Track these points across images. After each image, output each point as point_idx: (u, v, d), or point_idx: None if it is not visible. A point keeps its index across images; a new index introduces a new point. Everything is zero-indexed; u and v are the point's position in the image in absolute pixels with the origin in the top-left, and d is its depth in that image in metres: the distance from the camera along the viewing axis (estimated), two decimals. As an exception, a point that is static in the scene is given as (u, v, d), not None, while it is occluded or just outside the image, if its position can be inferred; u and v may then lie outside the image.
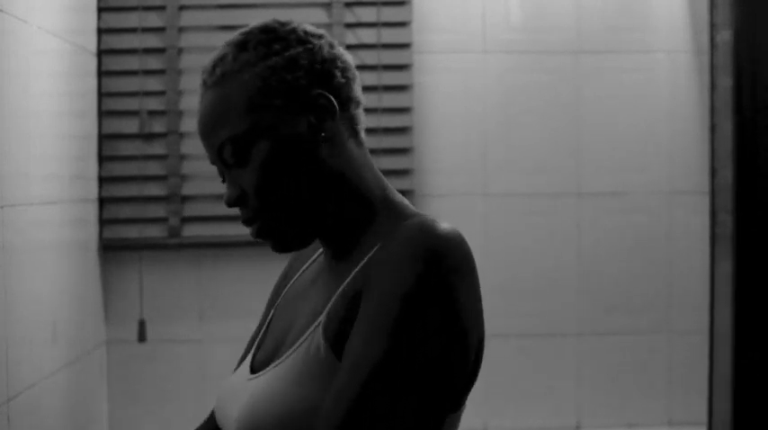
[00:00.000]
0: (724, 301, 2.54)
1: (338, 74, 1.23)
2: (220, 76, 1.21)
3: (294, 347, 1.17)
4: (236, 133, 1.19)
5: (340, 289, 1.17)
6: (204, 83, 1.23)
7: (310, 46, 1.22)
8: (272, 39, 1.22)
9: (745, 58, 2.47)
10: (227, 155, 1.21)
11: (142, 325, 3.31)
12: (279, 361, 1.18)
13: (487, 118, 3.40)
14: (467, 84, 3.40)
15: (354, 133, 1.25)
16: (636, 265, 3.43)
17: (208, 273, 3.33)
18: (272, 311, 1.37)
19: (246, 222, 1.23)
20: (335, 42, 1.26)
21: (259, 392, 1.18)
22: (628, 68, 3.42)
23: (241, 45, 1.23)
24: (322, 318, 1.16)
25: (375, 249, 1.16)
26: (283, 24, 1.24)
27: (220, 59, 1.23)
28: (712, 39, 2.60)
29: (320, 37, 1.24)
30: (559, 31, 3.41)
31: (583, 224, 3.43)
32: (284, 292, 1.37)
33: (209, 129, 1.21)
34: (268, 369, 1.20)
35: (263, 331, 1.35)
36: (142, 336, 3.31)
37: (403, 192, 3.25)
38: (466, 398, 1.19)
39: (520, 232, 3.41)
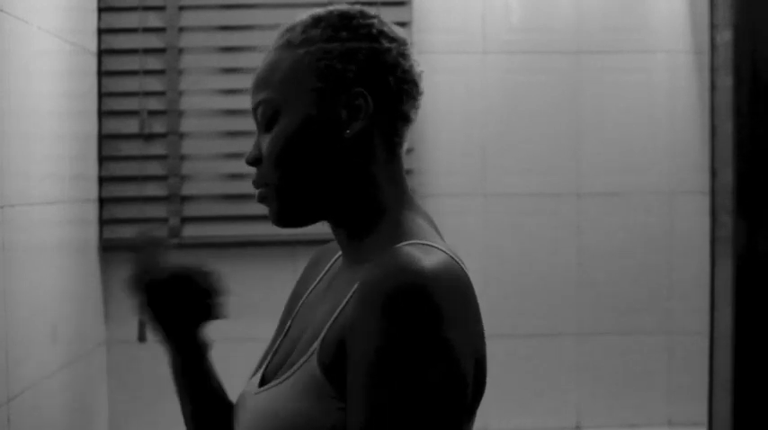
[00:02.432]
0: (724, 302, 2.53)
1: (392, 81, 1.21)
2: (284, 43, 1.23)
3: (295, 367, 1.17)
4: (271, 98, 1.21)
5: (332, 318, 1.17)
6: (273, 44, 1.26)
7: (377, 45, 1.21)
8: (344, 26, 1.21)
9: (745, 58, 2.47)
10: (260, 115, 1.23)
11: (142, 325, 3.30)
12: (282, 378, 1.18)
13: (487, 118, 3.40)
14: (467, 84, 3.39)
15: (390, 144, 1.23)
16: (636, 265, 3.43)
17: (208, 273, 3.33)
18: (290, 320, 1.36)
19: (254, 184, 1.25)
20: (412, 55, 1.23)
21: (262, 408, 1.18)
22: (628, 68, 3.42)
23: (315, 21, 1.23)
24: (317, 344, 1.16)
25: (365, 274, 1.13)
26: (365, 16, 1.23)
27: (292, 27, 1.24)
28: (712, 39, 2.60)
29: (394, 40, 1.22)
30: (559, 31, 3.41)
31: (583, 224, 3.43)
32: (303, 300, 1.37)
33: (254, 87, 1.25)
34: (272, 384, 1.20)
35: (280, 338, 1.35)
36: (142, 336, 3.30)
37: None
38: (473, 417, 1.18)
39: (520, 232, 3.41)
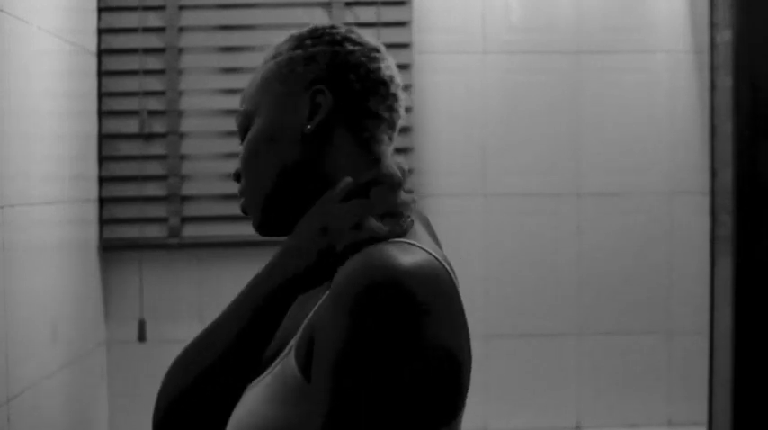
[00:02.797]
0: (724, 301, 2.54)
1: (354, 79, 1.22)
2: (262, 62, 1.28)
3: (273, 365, 1.16)
4: (244, 110, 1.26)
5: (309, 315, 1.16)
6: None
7: (339, 48, 1.23)
8: (309, 36, 1.25)
9: (745, 58, 2.47)
10: (238, 128, 1.27)
11: (142, 325, 3.31)
12: (262, 376, 1.17)
13: (487, 118, 3.40)
14: (467, 84, 3.39)
15: (361, 142, 1.23)
16: (636, 265, 3.43)
17: (208, 273, 3.33)
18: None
19: (239, 194, 1.28)
20: (383, 60, 1.25)
21: (245, 406, 1.17)
22: (628, 68, 3.42)
23: (288, 38, 1.28)
24: (293, 342, 1.15)
25: (340, 271, 1.11)
26: (332, 27, 1.27)
27: (271, 48, 1.29)
28: (712, 39, 2.60)
29: (360, 45, 1.24)
30: (559, 31, 3.41)
31: (583, 224, 3.43)
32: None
33: (239, 104, 1.29)
34: (255, 382, 1.19)
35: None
36: (142, 336, 3.31)
37: (403, 192, 3.26)
38: (458, 417, 1.14)
39: (520, 232, 3.41)
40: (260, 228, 1.27)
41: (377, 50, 1.25)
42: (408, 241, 1.13)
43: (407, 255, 1.09)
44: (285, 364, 1.14)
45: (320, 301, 1.16)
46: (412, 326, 1.05)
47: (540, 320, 3.42)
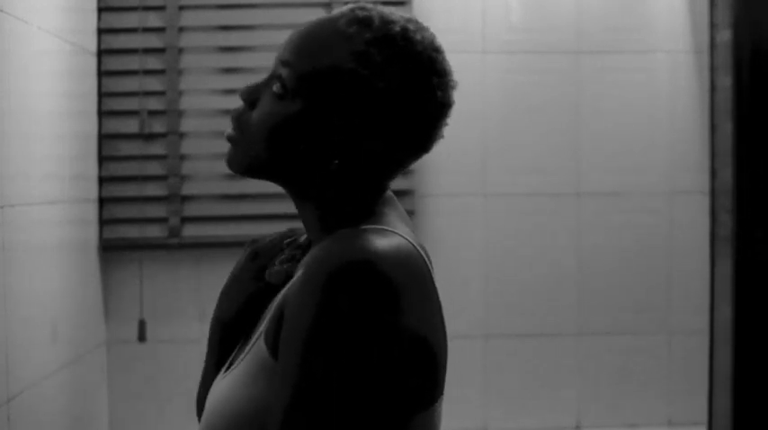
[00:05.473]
0: (724, 301, 2.54)
1: (417, 132, 1.18)
2: (353, 43, 1.16)
3: (247, 350, 1.17)
4: (303, 75, 1.15)
5: (280, 295, 1.16)
6: (343, 22, 1.18)
7: (423, 94, 1.16)
8: (394, 49, 1.15)
9: (745, 58, 2.47)
10: (281, 72, 1.16)
11: (142, 325, 3.31)
12: (237, 362, 1.18)
13: (487, 118, 3.40)
14: (466, 84, 3.38)
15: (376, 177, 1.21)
16: (636, 265, 3.43)
17: (208, 273, 3.33)
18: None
19: (232, 119, 1.19)
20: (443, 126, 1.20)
21: (219, 393, 1.18)
22: (628, 68, 3.42)
23: (366, 18, 1.16)
24: (264, 325, 1.15)
25: (312, 252, 1.12)
26: (421, 53, 1.17)
27: (367, 22, 1.16)
28: (712, 39, 2.60)
29: (449, 89, 1.19)
30: (559, 31, 3.41)
31: (583, 224, 3.43)
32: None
33: (293, 46, 1.17)
34: (230, 369, 1.20)
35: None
36: (142, 336, 3.31)
37: (403, 192, 3.26)
38: (436, 403, 1.13)
39: (520, 232, 3.41)
40: (235, 170, 1.19)
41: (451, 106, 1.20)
42: (383, 227, 1.13)
43: (382, 238, 1.09)
44: (257, 348, 1.15)
45: (289, 284, 1.16)
46: (383, 306, 1.05)
47: (540, 320, 3.42)
